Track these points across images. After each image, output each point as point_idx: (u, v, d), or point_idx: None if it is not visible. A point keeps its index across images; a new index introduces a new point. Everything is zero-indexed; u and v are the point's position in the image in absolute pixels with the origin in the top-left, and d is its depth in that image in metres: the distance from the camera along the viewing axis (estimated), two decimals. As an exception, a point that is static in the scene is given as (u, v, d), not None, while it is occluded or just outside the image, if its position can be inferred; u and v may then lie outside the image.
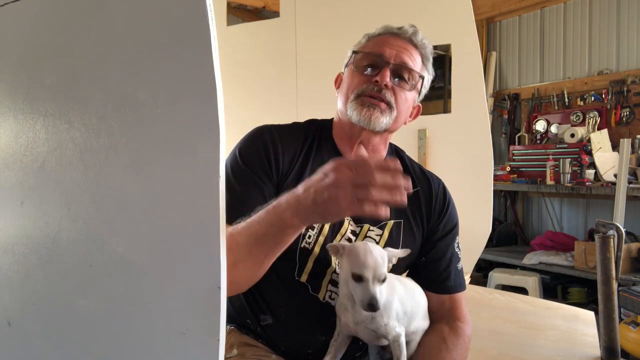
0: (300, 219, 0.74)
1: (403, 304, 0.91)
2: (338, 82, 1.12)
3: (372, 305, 0.79)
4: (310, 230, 0.98)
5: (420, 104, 1.13)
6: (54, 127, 0.59)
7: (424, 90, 1.09)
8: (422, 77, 1.05)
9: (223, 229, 0.50)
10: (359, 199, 0.66)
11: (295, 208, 0.73)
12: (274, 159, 0.99)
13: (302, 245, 0.97)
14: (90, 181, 0.56)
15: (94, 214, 0.57)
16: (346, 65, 1.09)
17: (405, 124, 1.09)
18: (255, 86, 2.76)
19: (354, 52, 1.07)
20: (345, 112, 1.03)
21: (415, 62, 1.03)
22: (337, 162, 0.69)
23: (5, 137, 0.64)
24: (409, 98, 1.05)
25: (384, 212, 0.66)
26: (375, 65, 1.02)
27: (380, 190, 0.65)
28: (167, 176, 0.53)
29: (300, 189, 0.74)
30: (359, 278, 0.81)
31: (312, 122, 1.12)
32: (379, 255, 0.84)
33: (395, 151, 1.15)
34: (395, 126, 1.05)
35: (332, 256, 0.93)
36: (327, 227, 0.99)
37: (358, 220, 1.02)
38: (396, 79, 1.01)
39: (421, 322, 0.99)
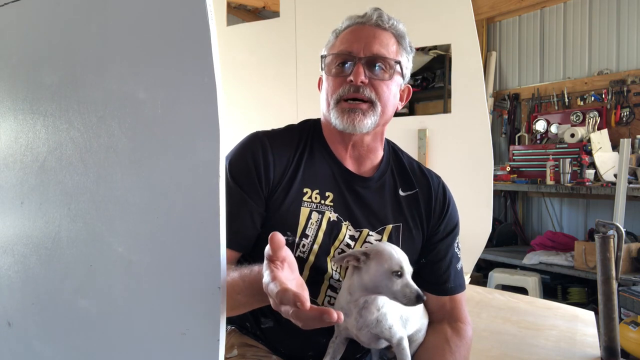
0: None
1: (397, 308, 0.91)
2: (320, 85, 1.08)
3: (419, 297, 0.80)
4: (304, 239, 0.96)
5: (409, 85, 1.08)
6: (54, 127, 0.59)
7: (407, 71, 1.05)
8: (398, 62, 1.00)
9: (223, 229, 0.50)
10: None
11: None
12: (264, 170, 0.96)
13: (296, 255, 0.95)
14: (90, 181, 0.56)
15: (94, 214, 0.57)
16: (322, 69, 1.05)
17: (397, 110, 1.06)
18: (255, 86, 2.76)
19: (322, 56, 1.03)
20: (329, 117, 1.00)
21: (387, 47, 0.98)
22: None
23: (5, 137, 0.64)
24: (392, 86, 1.00)
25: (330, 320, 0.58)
26: (348, 63, 0.98)
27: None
28: (167, 176, 0.52)
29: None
30: (399, 274, 0.82)
31: (305, 123, 1.09)
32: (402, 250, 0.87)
33: (393, 150, 1.12)
34: (384, 119, 1.01)
35: (349, 265, 0.87)
36: (321, 234, 0.97)
37: (357, 225, 1.01)
38: (374, 69, 0.97)
39: (419, 322, 0.98)
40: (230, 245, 0.91)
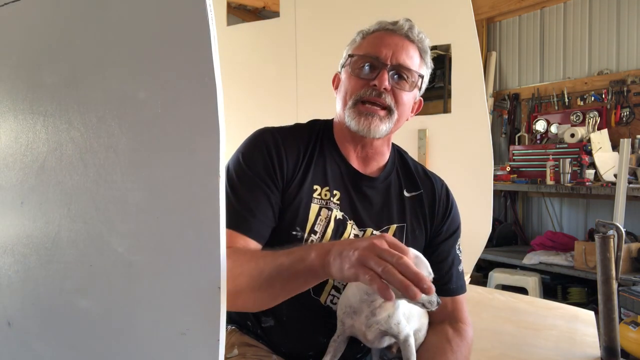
0: (322, 266, 0.75)
1: (403, 305, 0.92)
2: (336, 82, 1.10)
3: (439, 301, 0.84)
4: (312, 235, 0.97)
5: (421, 98, 1.11)
6: (54, 127, 0.59)
7: (424, 85, 1.07)
8: (422, 76, 1.03)
9: (223, 229, 0.49)
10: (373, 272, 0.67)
11: (321, 256, 0.75)
12: (277, 164, 0.97)
13: None
14: (90, 181, 0.56)
15: (94, 214, 0.56)
16: (342, 66, 1.06)
17: (407, 119, 1.08)
18: (255, 86, 2.76)
19: (349, 55, 1.04)
20: (343, 115, 1.01)
21: (413, 59, 1.00)
22: (372, 245, 0.69)
23: (5, 137, 0.64)
24: (410, 98, 1.03)
25: (389, 295, 0.65)
26: (372, 66, 0.99)
27: (395, 275, 0.65)
28: (167, 176, 0.52)
29: (332, 247, 0.75)
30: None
31: (314, 123, 1.10)
32: None
33: (398, 152, 1.14)
34: (397, 126, 1.03)
35: None
36: (329, 231, 0.98)
37: (361, 224, 1.01)
38: (397, 78, 0.99)
39: (419, 321, 0.98)
40: (255, 236, 0.91)
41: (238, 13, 4.75)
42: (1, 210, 0.65)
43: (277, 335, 1.01)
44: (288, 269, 0.78)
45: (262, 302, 0.84)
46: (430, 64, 1.06)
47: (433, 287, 0.66)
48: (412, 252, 0.87)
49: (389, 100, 0.98)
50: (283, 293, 0.81)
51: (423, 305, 0.85)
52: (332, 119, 1.11)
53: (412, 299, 0.65)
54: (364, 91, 0.98)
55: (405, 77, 0.99)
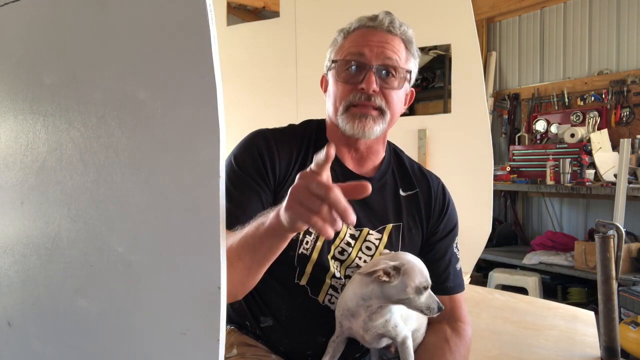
0: (277, 222, 0.72)
1: (400, 308, 0.92)
2: (324, 85, 1.08)
3: (440, 307, 0.84)
4: (307, 235, 0.97)
5: (413, 89, 1.09)
6: (54, 127, 0.59)
7: (414, 76, 1.05)
8: (410, 72, 1.01)
9: (223, 229, 0.49)
10: (309, 210, 0.64)
11: (277, 212, 0.72)
12: (269, 165, 0.97)
13: (299, 252, 0.96)
14: (90, 181, 0.56)
15: (94, 214, 0.57)
16: (328, 69, 1.05)
17: (401, 113, 1.07)
18: (255, 86, 2.76)
19: (333, 60, 1.02)
20: (336, 121, 1.00)
21: (399, 53, 0.98)
22: (302, 177, 0.67)
23: (5, 137, 0.64)
24: (401, 94, 1.01)
25: (329, 232, 0.64)
26: (358, 68, 0.97)
27: (328, 210, 0.63)
28: (167, 176, 0.53)
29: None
30: (426, 288, 0.84)
31: (308, 124, 1.10)
32: None
33: (394, 151, 1.14)
34: (391, 125, 1.03)
35: (381, 278, 0.83)
36: None
37: (357, 224, 1.01)
38: (385, 77, 0.97)
39: (417, 321, 0.98)
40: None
41: (238, 13, 4.75)
42: (1, 210, 0.65)
43: (276, 335, 1.01)
44: (252, 235, 0.76)
45: (237, 280, 0.81)
46: (417, 53, 1.04)
47: (354, 219, 0.64)
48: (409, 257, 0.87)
49: (379, 101, 0.96)
50: (254, 265, 0.79)
51: (422, 312, 0.85)
52: (325, 119, 1.10)
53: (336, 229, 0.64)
54: (353, 96, 0.96)
55: (394, 75, 0.98)
